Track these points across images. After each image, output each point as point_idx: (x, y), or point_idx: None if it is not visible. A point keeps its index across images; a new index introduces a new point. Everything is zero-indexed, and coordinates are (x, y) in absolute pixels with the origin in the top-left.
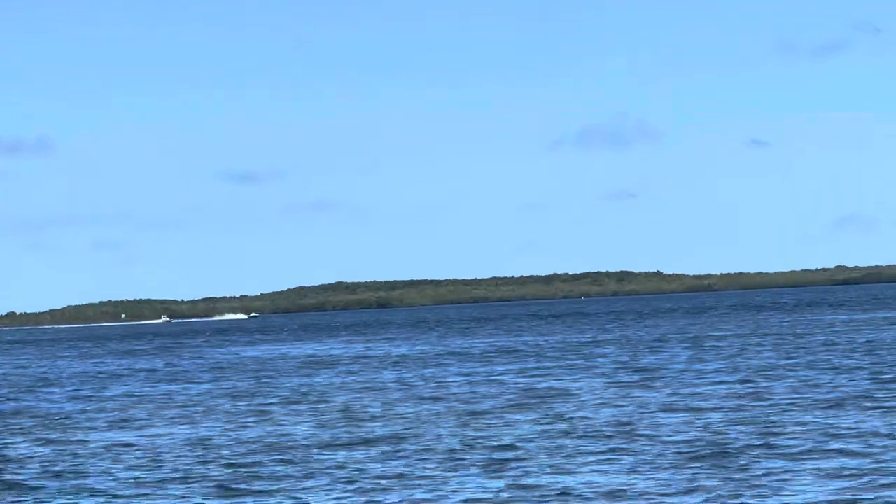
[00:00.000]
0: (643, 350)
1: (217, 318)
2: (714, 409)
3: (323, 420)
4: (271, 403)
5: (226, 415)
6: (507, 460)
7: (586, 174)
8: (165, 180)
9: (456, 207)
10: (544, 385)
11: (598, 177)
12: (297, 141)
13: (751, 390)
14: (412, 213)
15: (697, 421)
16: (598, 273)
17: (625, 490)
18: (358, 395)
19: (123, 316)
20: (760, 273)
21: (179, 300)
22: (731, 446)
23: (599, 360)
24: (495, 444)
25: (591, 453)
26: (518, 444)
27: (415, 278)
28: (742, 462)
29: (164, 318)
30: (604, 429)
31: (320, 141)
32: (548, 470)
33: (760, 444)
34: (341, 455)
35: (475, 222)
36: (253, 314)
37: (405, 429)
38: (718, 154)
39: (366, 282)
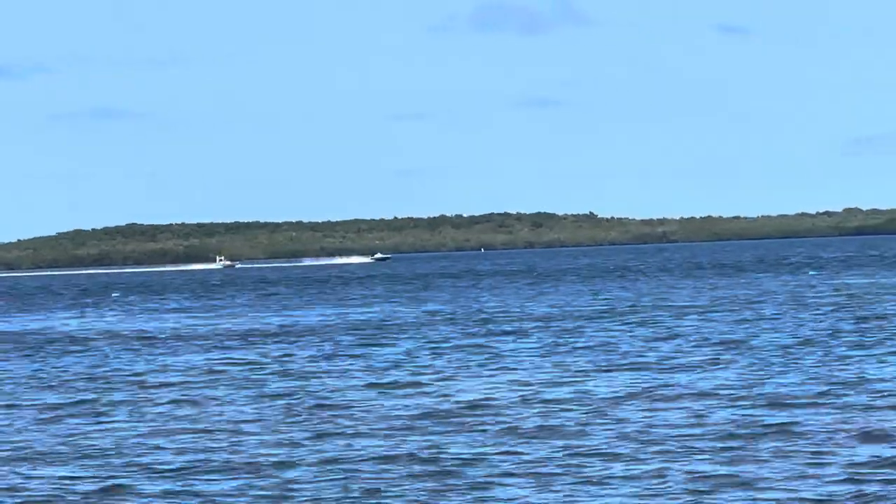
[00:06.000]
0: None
1: (328, 260)
2: None
3: None
4: None
5: None
6: None
7: (486, 71)
8: None
9: (301, 119)
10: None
11: (503, 75)
12: (69, 24)
13: None
14: (237, 125)
15: None
16: (506, 215)
17: None
18: None
19: None
20: (737, 218)
21: None
22: None
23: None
24: None
25: None
26: None
27: (241, 220)
28: None
29: (221, 262)
30: None
31: (101, 25)
32: None
33: None
34: None
35: (328, 140)
36: (379, 255)
37: None
38: (675, 46)
39: (171, 224)
